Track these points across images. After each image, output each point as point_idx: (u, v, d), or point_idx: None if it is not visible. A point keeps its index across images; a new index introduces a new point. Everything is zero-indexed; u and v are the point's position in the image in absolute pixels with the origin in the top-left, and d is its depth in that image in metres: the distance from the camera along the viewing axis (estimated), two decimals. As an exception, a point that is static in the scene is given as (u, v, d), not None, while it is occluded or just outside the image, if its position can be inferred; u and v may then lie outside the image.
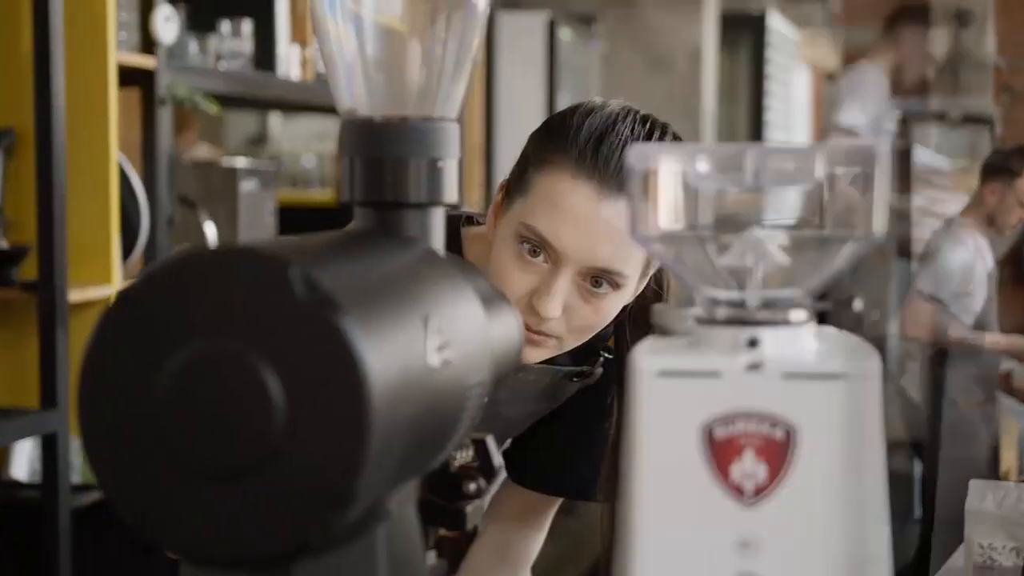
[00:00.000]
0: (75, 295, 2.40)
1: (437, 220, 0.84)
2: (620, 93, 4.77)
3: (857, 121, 4.28)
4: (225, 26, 3.01)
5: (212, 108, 2.74)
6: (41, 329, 2.33)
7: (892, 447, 3.95)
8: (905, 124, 4.98)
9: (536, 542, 1.57)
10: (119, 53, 2.54)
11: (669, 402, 0.70)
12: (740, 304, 0.72)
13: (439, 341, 0.72)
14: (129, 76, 2.62)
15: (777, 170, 0.72)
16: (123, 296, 0.64)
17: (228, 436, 0.62)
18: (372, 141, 0.82)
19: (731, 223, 0.74)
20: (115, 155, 2.49)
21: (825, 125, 4.29)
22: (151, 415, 0.63)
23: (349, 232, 0.82)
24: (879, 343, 4.21)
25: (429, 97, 0.84)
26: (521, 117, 4.14)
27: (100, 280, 2.49)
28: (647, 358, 0.70)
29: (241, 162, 3.08)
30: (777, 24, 7.41)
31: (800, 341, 0.71)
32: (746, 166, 0.72)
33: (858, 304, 4.39)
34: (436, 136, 0.83)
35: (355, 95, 0.84)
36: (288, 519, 0.61)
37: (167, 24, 2.63)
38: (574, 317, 1.25)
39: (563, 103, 5.84)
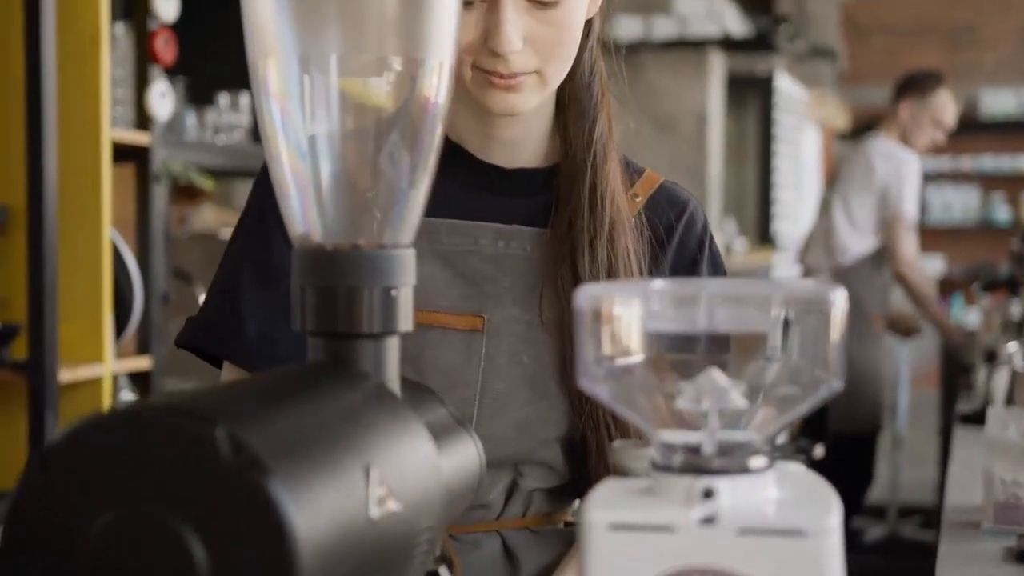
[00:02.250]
0: (66, 375, 2.38)
1: (391, 350, 0.81)
2: (626, 156, 4.72)
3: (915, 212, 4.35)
4: (223, 99, 3.01)
5: (207, 184, 2.73)
6: (31, 411, 2.30)
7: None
8: None
9: None
10: (114, 130, 2.53)
11: (621, 556, 0.67)
12: (696, 449, 0.69)
13: (382, 491, 0.69)
14: (124, 152, 2.62)
15: (731, 314, 0.69)
16: (45, 455, 0.61)
17: (148, 607, 0.59)
18: (324, 269, 0.80)
19: (686, 364, 0.71)
20: (108, 232, 2.48)
21: (883, 214, 4.31)
22: (70, 583, 0.60)
23: (295, 369, 0.79)
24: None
25: (383, 223, 0.82)
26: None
27: (92, 359, 2.47)
28: (598, 511, 0.67)
29: (240, 234, 3.06)
30: (785, 85, 7.42)
31: (758, 490, 0.68)
32: (700, 307, 0.69)
33: None
34: (390, 264, 0.81)
35: (307, 220, 0.82)
36: None
37: (162, 100, 2.62)
38: (538, 42, 1.15)
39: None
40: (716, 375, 0.69)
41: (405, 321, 0.81)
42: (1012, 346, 3.06)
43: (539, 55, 1.15)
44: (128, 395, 2.77)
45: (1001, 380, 2.92)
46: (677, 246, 1.26)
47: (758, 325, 0.69)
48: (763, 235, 7.30)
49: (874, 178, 4.26)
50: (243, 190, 4.99)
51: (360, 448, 0.69)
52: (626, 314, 0.70)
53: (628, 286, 0.71)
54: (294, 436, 0.65)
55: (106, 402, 2.50)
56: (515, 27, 1.13)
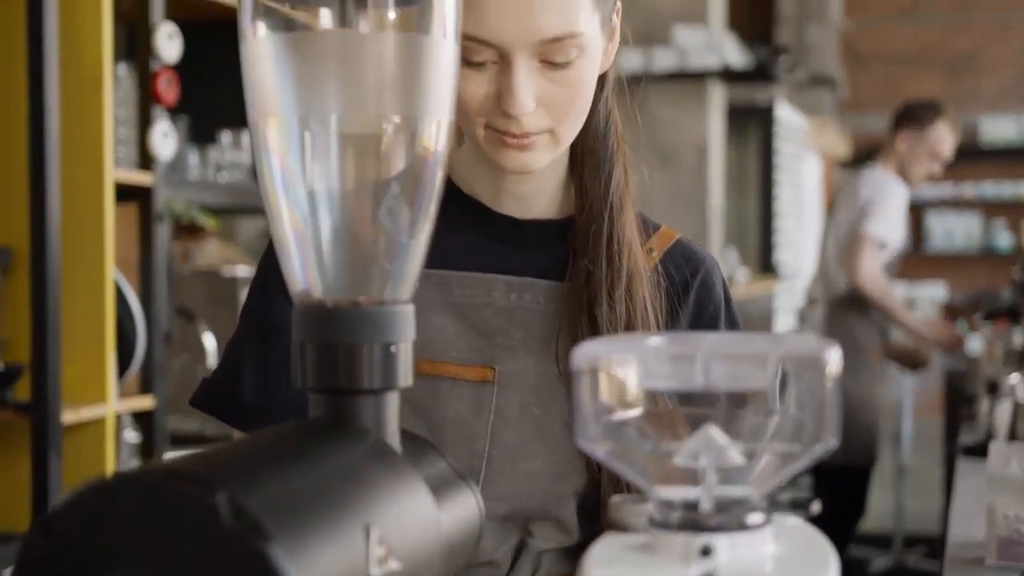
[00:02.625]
0: (69, 416, 2.39)
1: (391, 405, 0.82)
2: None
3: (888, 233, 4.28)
4: (225, 137, 3.03)
5: (209, 223, 2.75)
6: (34, 452, 2.31)
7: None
8: None
9: None
10: (117, 170, 2.55)
11: (620, 614, 0.67)
12: (694, 506, 0.70)
13: (382, 550, 0.69)
14: (127, 192, 2.63)
15: (727, 371, 0.70)
16: (47, 520, 0.62)
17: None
18: (324, 326, 0.81)
19: (684, 421, 0.72)
20: (111, 273, 2.49)
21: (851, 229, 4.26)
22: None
23: (296, 427, 0.80)
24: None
25: (382, 280, 0.83)
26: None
27: (95, 400, 2.47)
28: (597, 568, 0.68)
29: (243, 270, 3.08)
30: (785, 114, 7.45)
31: (756, 547, 0.68)
32: (696, 366, 0.70)
33: None
34: (389, 320, 0.81)
35: (308, 277, 0.82)
36: None
37: (165, 140, 2.64)
38: (551, 102, 1.13)
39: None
40: (713, 432, 0.70)
41: (405, 376, 0.81)
42: (1014, 378, 3.05)
43: (552, 115, 1.14)
44: (131, 435, 2.77)
45: (1003, 412, 2.92)
46: (695, 303, 1.26)
47: (755, 382, 0.70)
48: (765, 264, 7.31)
49: (858, 205, 4.27)
50: (245, 226, 5.01)
51: (360, 507, 0.70)
52: (623, 372, 0.70)
53: (625, 343, 0.72)
54: (294, 498, 0.65)
55: (109, 442, 2.51)
56: (527, 88, 1.12)
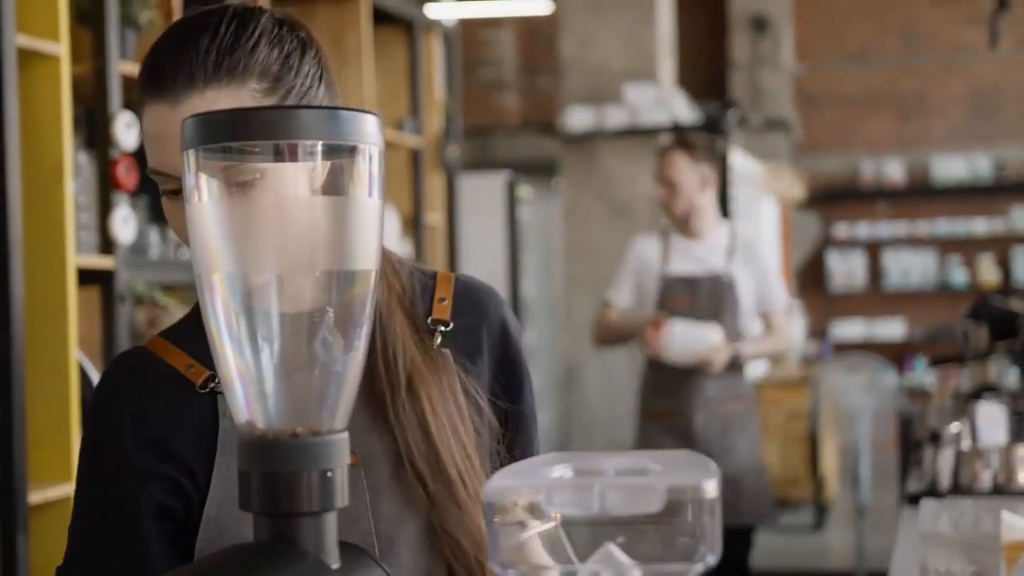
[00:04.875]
0: (35, 496, 2.45)
1: (330, 525, 0.91)
2: (582, 243, 4.79)
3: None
4: (185, 215, 3.11)
5: (170, 303, 2.83)
6: (2, 533, 2.37)
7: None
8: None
9: None
10: (79, 256, 2.62)
11: None
12: (596, 618, 0.79)
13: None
14: (89, 276, 2.71)
15: (621, 499, 0.79)
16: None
17: None
18: (266, 456, 0.90)
19: (585, 542, 0.81)
20: (74, 355, 2.56)
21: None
22: None
23: (240, 551, 0.88)
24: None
25: (319, 411, 0.92)
26: (485, 275, 4.22)
27: (60, 479, 2.54)
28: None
29: (204, 342, 3.15)
30: (739, 161, 7.59)
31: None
32: (593, 497, 0.79)
33: None
34: (326, 449, 0.90)
35: (251, 411, 0.91)
36: None
37: (125, 225, 2.72)
38: None
39: (525, 257, 5.98)
40: (613, 550, 0.80)
41: (341, 497, 0.91)
42: (955, 427, 3.14)
43: None
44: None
45: (946, 461, 3.01)
46: (499, 334, 1.33)
47: (645, 508, 0.79)
48: (724, 309, 7.42)
49: None
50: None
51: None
52: (529, 502, 0.79)
53: (530, 475, 0.81)
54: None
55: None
56: None
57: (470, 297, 1.33)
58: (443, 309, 1.31)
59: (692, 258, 3.93)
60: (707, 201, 3.91)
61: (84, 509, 1.26)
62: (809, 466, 7.11)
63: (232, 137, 0.88)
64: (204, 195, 0.90)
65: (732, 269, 3.86)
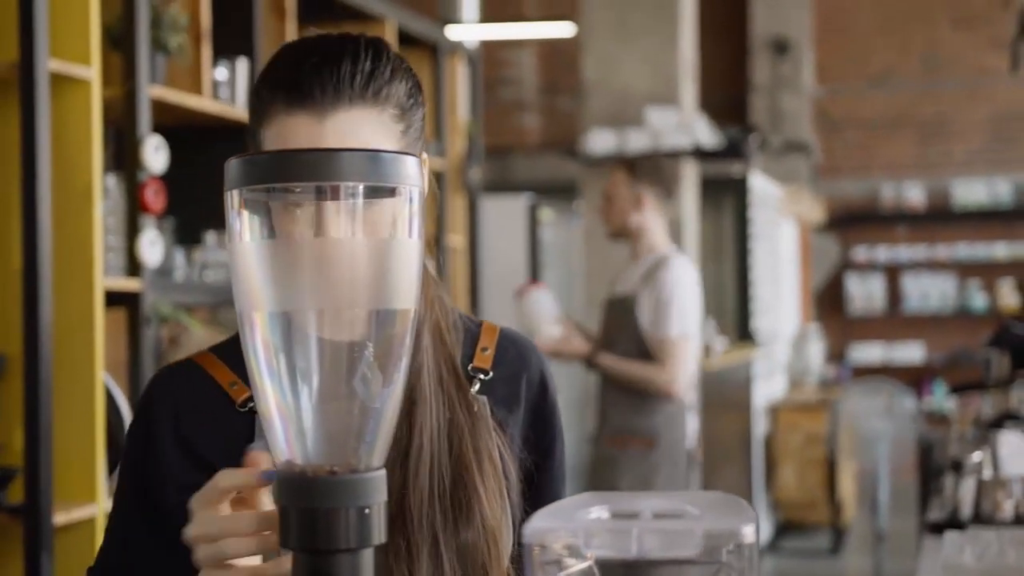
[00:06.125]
0: (60, 517, 2.47)
1: (367, 562, 0.92)
2: (602, 266, 4.75)
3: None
4: (211, 237, 3.13)
5: (195, 326, 2.85)
6: (27, 554, 2.38)
7: None
8: None
9: None
10: (106, 278, 2.65)
11: None
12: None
13: None
14: (116, 297, 2.73)
15: (659, 543, 0.80)
16: None
17: None
18: (305, 493, 0.91)
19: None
20: (101, 377, 2.58)
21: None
22: None
23: (280, 587, 0.90)
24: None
25: (357, 449, 0.93)
26: (507, 298, 4.24)
27: (85, 500, 2.56)
28: None
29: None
30: (759, 184, 7.60)
31: None
32: (631, 540, 0.80)
33: None
34: (364, 486, 0.91)
35: (291, 449, 0.92)
36: None
37: (152, 248, 2.74)
38: None
39: (546, 278, 5.99)
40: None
41: (379, 535, 0.92)
42: (977, 456, 3.13)
43: None
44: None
45: (968, 490, 3.00)
46: (538, 386, 1.35)
47: (683, 552, 0.80)
48: (743, 332, 7.42)
49: None
50: (231, 316, 5.11)
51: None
52: (567, 544, 0.80)
53: (568, 518, 0.82)
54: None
55: (99, 541, 2.58)
56: None
57: (513, 349, 1.35)
58: (485, 358, 1.32)
59: (624, 279, 3.97)
60: (646, 223, 3.91)
61: (119, 504, 1.30)
62: (827, 490, 7.09)
63: (276, 179, 0.90)
64: (247, 235, 0.91)
65: (639, 291, 3.86)
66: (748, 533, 0.78)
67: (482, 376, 1.31)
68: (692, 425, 3.98)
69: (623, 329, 3.85)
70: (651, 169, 3.96)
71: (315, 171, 0.89)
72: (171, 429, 1.27)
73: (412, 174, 0.91)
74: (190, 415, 1.27)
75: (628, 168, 3.97)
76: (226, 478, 1.01)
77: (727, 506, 0.83)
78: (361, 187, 0.89)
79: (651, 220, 3.92)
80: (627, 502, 0.85)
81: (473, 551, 1.22)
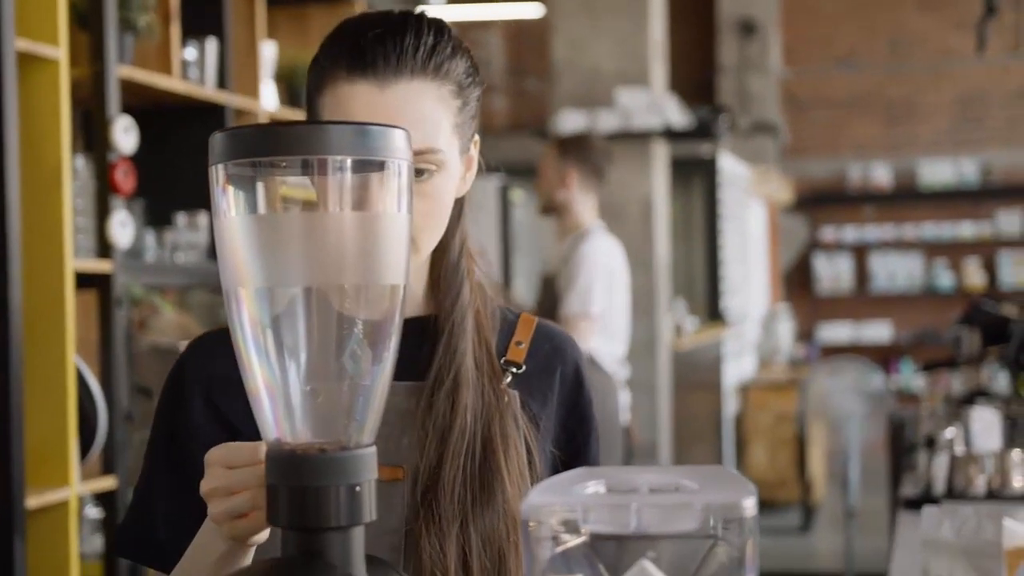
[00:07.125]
0: (33, 501, 2.44)
1: (357, 539, 0.91)
2: None
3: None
4: (181, 219, 3.11)
5: (166, 308, 2.82)
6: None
7: None
8: None
9: None
10: (76, 259, 2.61)
11: None
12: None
13: None
14: (86, 279, 2.70)
15: (658, 517, 0.79)
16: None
17: None
18: (294, 471, 0.89)
19: (621, 559, 0.81)
20: (72, 360, 2.56)
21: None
22: None
23: (269, 565, 0.88)
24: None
25: (347, 427, 0.91)
26: (477, 278, 4.20)
27: (58, 483, 2.53)
28: None
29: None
30: (728, 164, 7.61)
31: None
32: (629, 515, 0.79)
33: None
34: (354, 463, 0.90)
35: (279, 427, 0.91)
36: None
37: (122, 229, 2.71)
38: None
39: (518, 261, 5.99)
40: (648, 566, 0.80)
41: (369, 512, 0.90)
42: (949, 432, 3.15)
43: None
44: (93, 512, 2.83)
45: (941, 466, 3.02)
46: (573, 379, 1.34)
47: (682, 525, 0.79)
48: (712, 312, 7.45)
49: None
50: (200, 298, 5.07)
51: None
52: (565, 519, 0.79)
53: (566, 492, 0.81)
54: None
55: (72, 524, 2.56)
56: None
57: (549, 344, 1.34)
58: (519, 352, 1.31)
59: (553, 257, 4.05)
60: (572, 202, 3.96)
61: (150, 462, 1.28)
62: (797, 468, 7.13)
63: (262, 152, 0.88)
64: (232, 210, 0.89)
65: (560, 269, 3.93)
66: (748, 506, 0.77)
67: (514, 370, 1.30)
68: (624, 400, 4.02)
69: (549, 308, 3.89)
70: (578, 148, 4.02)
71: (301, 145, 0.88)
72: (201, 392, 1.26)
73: (401, 147, 0.90)
74: (222, 382, 1.25)
75: (557, 146, 4.04)
76: (244, 452, 1.00)
77: (725, 480, 0.83)
78: (349, 161, 0.88)
79: (576, 198, 3.96)
80: (623, 477, 0.84)
81: (492, 534, 1.21)
